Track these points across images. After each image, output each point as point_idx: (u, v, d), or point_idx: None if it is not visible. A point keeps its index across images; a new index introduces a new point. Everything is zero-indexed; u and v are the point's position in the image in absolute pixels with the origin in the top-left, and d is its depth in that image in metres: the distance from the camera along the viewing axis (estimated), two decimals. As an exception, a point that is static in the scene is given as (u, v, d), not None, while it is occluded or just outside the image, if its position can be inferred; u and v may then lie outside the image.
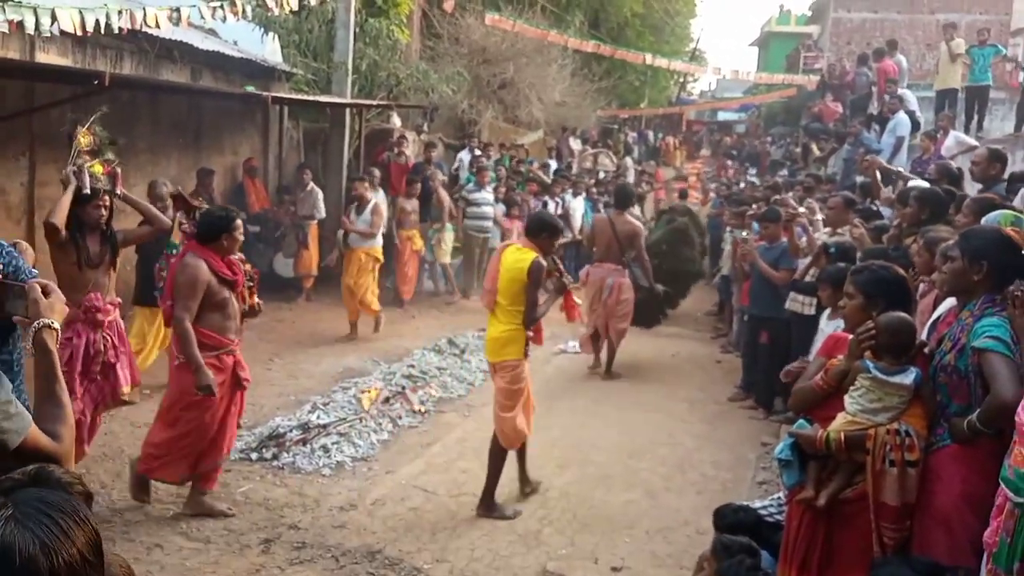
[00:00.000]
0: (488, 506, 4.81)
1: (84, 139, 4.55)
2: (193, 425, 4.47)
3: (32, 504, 1.29)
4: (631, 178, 17.20)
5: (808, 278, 6.01)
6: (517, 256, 4.83)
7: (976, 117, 12.24)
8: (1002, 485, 2.40)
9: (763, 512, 3.62)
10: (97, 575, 1.31)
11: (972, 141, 10.38)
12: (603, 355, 8.06)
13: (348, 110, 11.22)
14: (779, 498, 3.62)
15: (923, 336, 3.18)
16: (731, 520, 3.48)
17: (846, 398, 2.93)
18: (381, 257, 9.15)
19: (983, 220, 3.83)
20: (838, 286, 4.44)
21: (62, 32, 6.12)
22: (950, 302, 3.19)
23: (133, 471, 4.61)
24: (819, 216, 7.08)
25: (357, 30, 11.59)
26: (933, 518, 2.77)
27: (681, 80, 30.02)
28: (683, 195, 12.84)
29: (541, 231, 4.89)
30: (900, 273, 3.20)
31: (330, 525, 4.52)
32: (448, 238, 11.07)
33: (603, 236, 7.89)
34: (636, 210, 10.91)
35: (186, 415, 4.47)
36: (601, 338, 7.99)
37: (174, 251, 5.76)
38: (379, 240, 9.11)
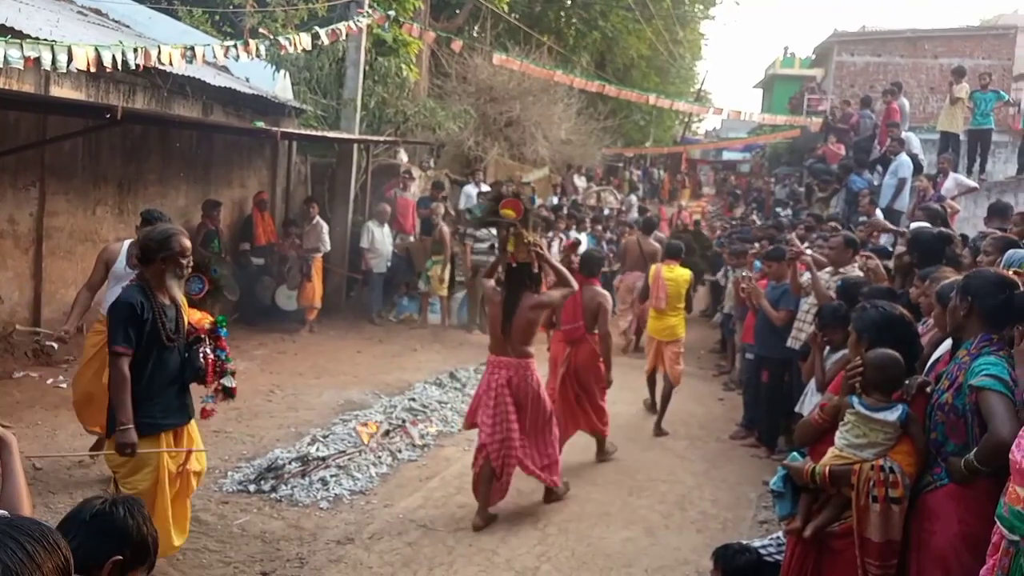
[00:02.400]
0: (659, 427, 7.27)
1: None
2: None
3: (0, 529, 1.30)
4: (634, 215, 17.31)
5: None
6: (676, 272, 7.58)
7: (979, 160, 12.33)
8: (997, 523, 2.40)
9: (763, 552, 3.60)
10: None
11: (971, 183, 10.48)
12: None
13: (356, 146, 11.38)
14: (779, 537, 3.60)
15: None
16: (734, 563, 3.46)
17: (836, 433, 2.95)
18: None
19: (1005, 256, 3.87)
20: (831, 323, 4.48)
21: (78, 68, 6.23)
22: (948, 343, 3.20)
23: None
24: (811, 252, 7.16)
25: (367, 68, 11.81)
26: (931, 558, 2.76)
27: (686, 120, 30.30)
28: (696, 224, 13.65)
29: (680, 254, 7.81)
30: (892, 312, 3.20)
31: (327, 559, 4.50)
32: (444, 272, 11.07)
33: (632, 253, 10.76)
34: (660, 233, 12.98)
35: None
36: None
37: None
38: None
